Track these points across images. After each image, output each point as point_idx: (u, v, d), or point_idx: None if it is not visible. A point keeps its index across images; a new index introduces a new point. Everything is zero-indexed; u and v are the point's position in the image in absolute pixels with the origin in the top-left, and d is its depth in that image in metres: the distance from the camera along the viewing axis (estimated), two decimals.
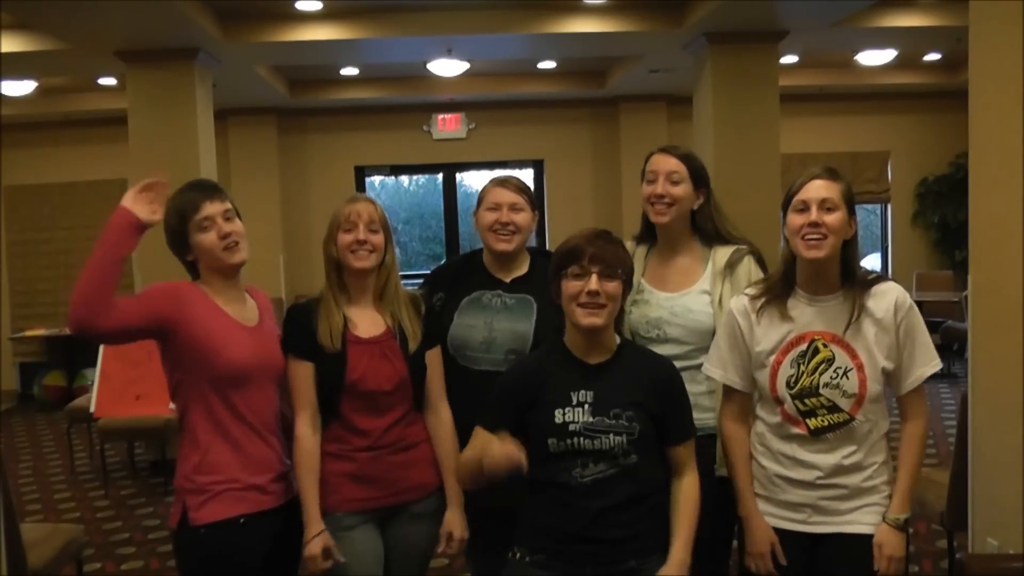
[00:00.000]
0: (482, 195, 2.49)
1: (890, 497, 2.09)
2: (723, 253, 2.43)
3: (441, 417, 2.33)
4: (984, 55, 3.06)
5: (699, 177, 2.43)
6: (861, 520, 2.07)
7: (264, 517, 2.16)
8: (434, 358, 2.33)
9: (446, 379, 2.38)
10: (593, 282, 1.93)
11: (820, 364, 2.07)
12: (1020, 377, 2.86)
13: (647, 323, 2.40)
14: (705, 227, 2.45)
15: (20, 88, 6.86)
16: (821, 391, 2.06)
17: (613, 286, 1.95)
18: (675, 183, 2.39)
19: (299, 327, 2.25)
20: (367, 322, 2.29)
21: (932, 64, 8.40)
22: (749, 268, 2.39)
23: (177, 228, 2.21)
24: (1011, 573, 2.45)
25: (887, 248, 9.62)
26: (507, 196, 2.43)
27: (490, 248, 2.45)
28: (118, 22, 5.06)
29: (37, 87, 7.12)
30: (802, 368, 2.08)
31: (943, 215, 9.11)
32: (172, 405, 2.27)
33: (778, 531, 2.13)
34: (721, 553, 2.47)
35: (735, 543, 2.48)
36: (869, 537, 2.06)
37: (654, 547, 1.97)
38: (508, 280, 2.47)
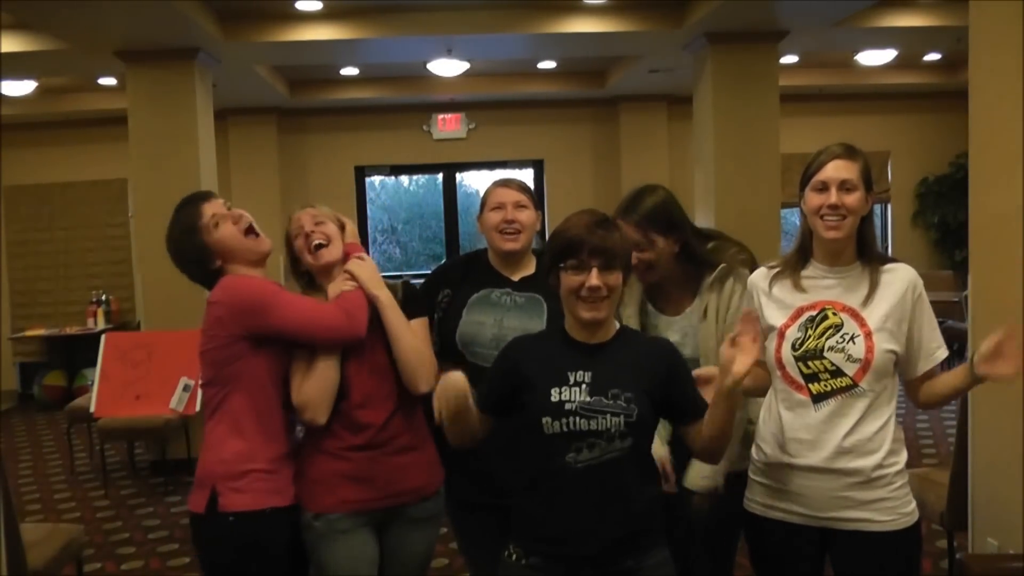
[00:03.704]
0: (485, 198, 2.52)
1: (904, 492, 2.05)
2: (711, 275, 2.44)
3: None
4: (984, 55, 3.06)
5: (667, 225, 2.35)
6: (875, 517, 2.02)
7: (287, 512, 2.18)
8: (418, 327, 2.30)
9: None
10: (594, 277, 1.88)
11: (828, 329, 2.06)
12: (1020, 377, 2.86)
13: None
14: (691, 259, 2.42)
15: (20, 88, 6.85)
16: (826, 354, 2.04)
17: (614, 278, 1.91)
18: (644, 248, 2.33)
19: None
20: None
21: (932, 64, 8.40)
22: (733, 286, 2.37)
23: (190, 242, 2.21)
24: (1011, 573, 2.46)
25: (887, 248, 9.62)
26: (511, 195, 2.46)
27: (497, 248, 2.47)
28: (118, 22, 5.06)
29: (37, 87, 7.11)
30: (809, 332, 2.07)
31: (943, 215, 9.12)
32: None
33: (786, 525, 2.09)
34: (725, 551, 2.47)
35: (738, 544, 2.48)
36: (883, 535, 2.01)
37: (651, 544, 1.94)
38: (516, 279, 2.48)
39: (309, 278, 2.36)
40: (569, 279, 1.92)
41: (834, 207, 2.02)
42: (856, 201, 2.03)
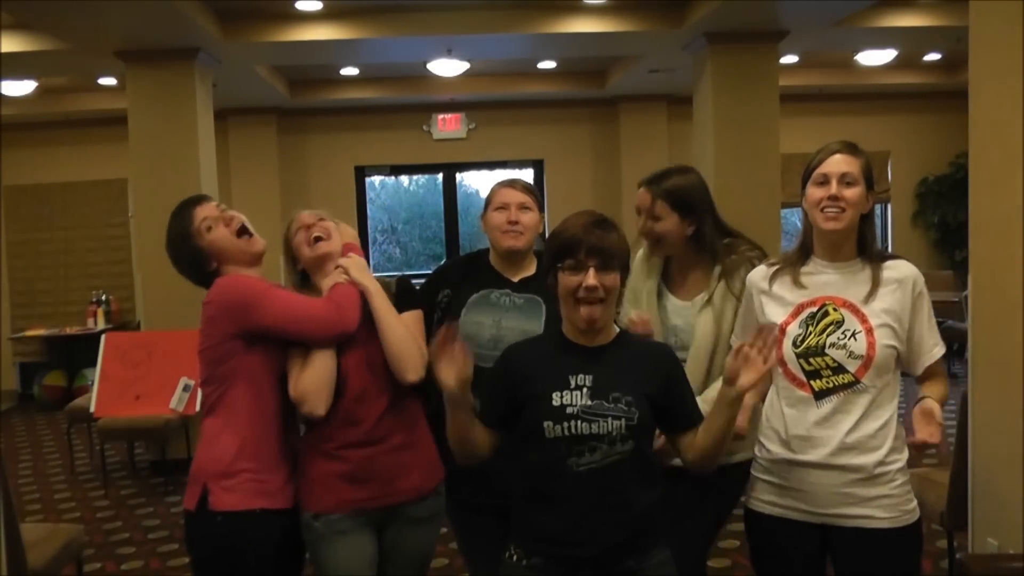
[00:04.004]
0: (490, 197, 2.53)
1: (906, 490, 2.05)
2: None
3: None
4: (984, 55, 3.05)
5: (683, 207, 2.40)
6: (876, 514, 2.02)
7: (277, 515, 2.17)
8: (410, 319, 2.31)
9: None
10: (591, 277, 1.88)
11: (828, 326, 2.06)
12: (1020, 377, 2.86)
13: (667, 330, 2.43)
14: (708, 247, 2.44)
15: (20, 88, 6.85)
16: (827, 351, 2.04)
17: (611, 279, 1.91)
18: (656, 219, 2.40)
19: None
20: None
21: (932, 64, 8.40)
22: (741, 287, 2.37)
23: (185, 247, 2.24)
24: (1011, 573, 2.46)
25: (887, 248, 9.62)
26: (515, 196, 2.47)
27: (500, 247, 2.48)
28: (118, 22, 5.06)
29: (37, 87, 7.11)
30: (810, 328, 2.08)
31: (943, 215, 9.12)
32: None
33: (788, 523, 2.09)
34: (701, 540, 2.46)
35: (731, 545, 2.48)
36: (884, 532, 2.01)
37: (651, 544, 1.94)
38: (516, 280, 2.48)
39: (303, 276, 2.36)
40: (566, 279, 1.91)
41: (834, 199, 2.03)
42: (856, 195, 2.04)
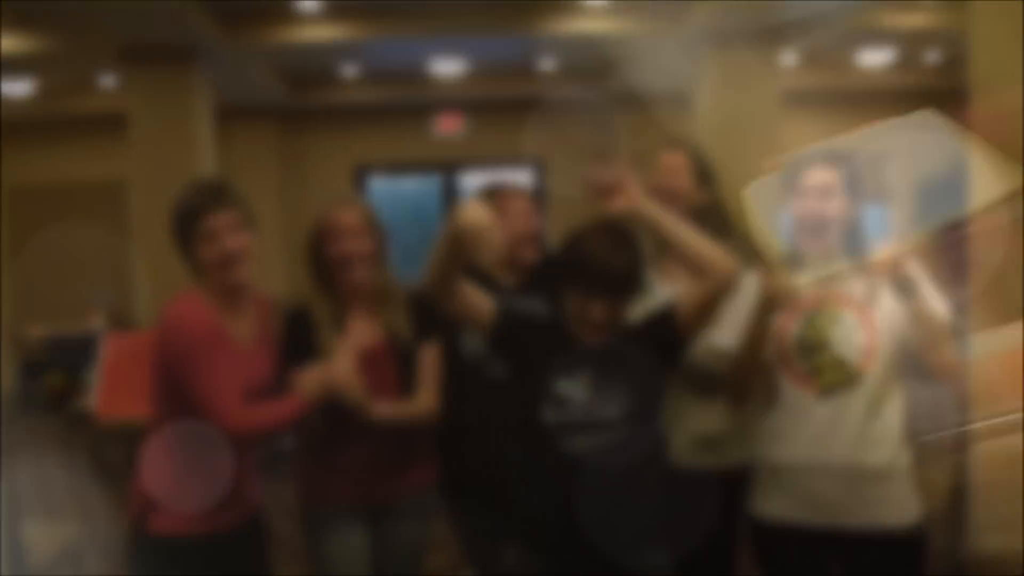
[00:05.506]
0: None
1: (910, 487, 2.04)
2: None
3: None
4: (984, 55, 3.05)
5: (700, 175, 2.42)
6: (883, 514, 2.01)
7: (217, 539, 2.08)
8: (427, 356, 2.28)
9: (466, 388, 2.37)
10: (593, 312, 1.89)
11: (829, 322, 2.05)
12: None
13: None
14: (710, 226, 2.42)
15: (20, 88, 6.85)
16: (829, 347, 2.03)
17: (615, 309, 1.92)
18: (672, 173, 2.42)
19: (298, 347, 2.18)
20: (362, 330, 2.19)
21: (932, 64, 8.39)
22: None
23: (178, 234, 2.12)
24: (1011, 573, 2.45)
25: None
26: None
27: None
28: (118, 22, 5.07)
29: (37, 87, 7.11)
30: (810, 327, 2.07)
31: None
32: None
33: (792, 525, 2.07)
34: (724, 552, 2.45)
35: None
36: (891, 531, 2.00)
37: (652, 541, 1.95)
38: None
39: (328, 281, 2.26)
40: (572, 304, 1.94)
41: (812, 213, 2.03)
42: (834, 210, 2.04)
